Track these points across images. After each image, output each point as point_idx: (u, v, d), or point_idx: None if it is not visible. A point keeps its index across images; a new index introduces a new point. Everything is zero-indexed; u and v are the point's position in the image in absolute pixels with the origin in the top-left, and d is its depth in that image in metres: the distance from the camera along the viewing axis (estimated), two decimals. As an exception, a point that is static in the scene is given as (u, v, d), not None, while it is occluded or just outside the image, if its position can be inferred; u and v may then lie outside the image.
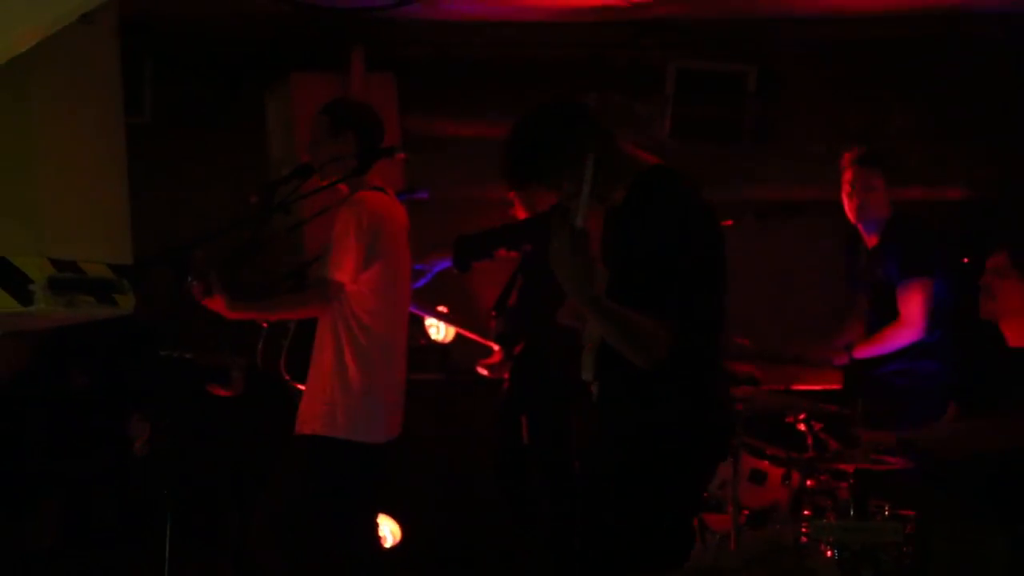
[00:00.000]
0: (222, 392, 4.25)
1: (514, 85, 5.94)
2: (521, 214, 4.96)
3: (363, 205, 3.81)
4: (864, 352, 4.53)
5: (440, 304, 5.41)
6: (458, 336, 5.33)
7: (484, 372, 4.96)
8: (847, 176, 4.59)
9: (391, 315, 3.89)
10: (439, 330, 5.37)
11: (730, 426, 3.06)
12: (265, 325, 4.00)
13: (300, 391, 3.88)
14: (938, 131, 5.61)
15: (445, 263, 4.92)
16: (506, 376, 4.85)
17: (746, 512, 4.17)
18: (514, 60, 5.67)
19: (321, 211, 4.07)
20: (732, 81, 5.50)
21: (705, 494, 4.24)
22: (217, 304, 3.71)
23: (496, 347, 4.92)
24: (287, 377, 3.94)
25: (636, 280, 2.59)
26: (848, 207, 4.62)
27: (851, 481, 3.84)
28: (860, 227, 4.66)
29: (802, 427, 4.31)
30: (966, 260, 4.64)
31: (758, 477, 4.25)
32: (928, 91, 5.57)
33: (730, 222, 5.07)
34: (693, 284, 2.60)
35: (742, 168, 5.63)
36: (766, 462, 4.30)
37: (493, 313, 5.03)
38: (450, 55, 5.68)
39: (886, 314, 4.53)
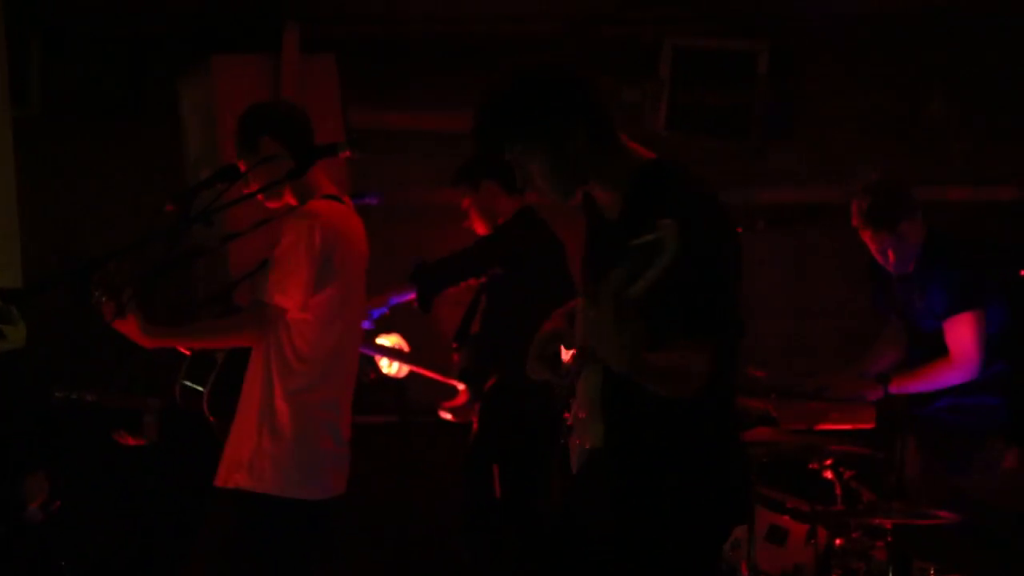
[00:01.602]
0: (132, 441, 4.22)
1: (480, 68, 5.90)
2: (479, 227, 5.00)
3: (317, 219, 3.80)
4: (904, 387, 4.55)
5: (388, 332, 5.41)
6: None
7: (448, 416, 4.96)
8: (864, 236, 4.60)
9: (336, 349, 3.88)
10: (391, 363, 5.37)
11: (749, 478, 3.09)
12: (188, 353, 3.98)
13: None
14: (986, 123, 5.66)
15: (404, 297, 4.96)
16: (474, 419, 4.86)
17: (764, 578, 4.19)
18: (480, 38, 5.68)
19: (260, 223, 4.06)
20: (739, 62, 5.52)
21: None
22: (130, 327, 3.68)
23: (460, 385, 4.92)
24: (212, 419, 3.91)
25: (658, 298, 2.57)
26: (880, 261, 4.63)
27: (889, 539, 3.85)
28: None
29: (829, 475, 4.32)
30: (1023, 273, 4.68)
31: (778, 535, 4.26)
32: (975, 75, 5.63)
33: (738, 229, 5.12)
34: (727, 295, 2.65)
35: (752, 166, 5.67)
36: (786, 517, 4.30)
37: (455, 345, 5.03)
38: (403, 32, 5.70)
39: (929, 345, 4.56)
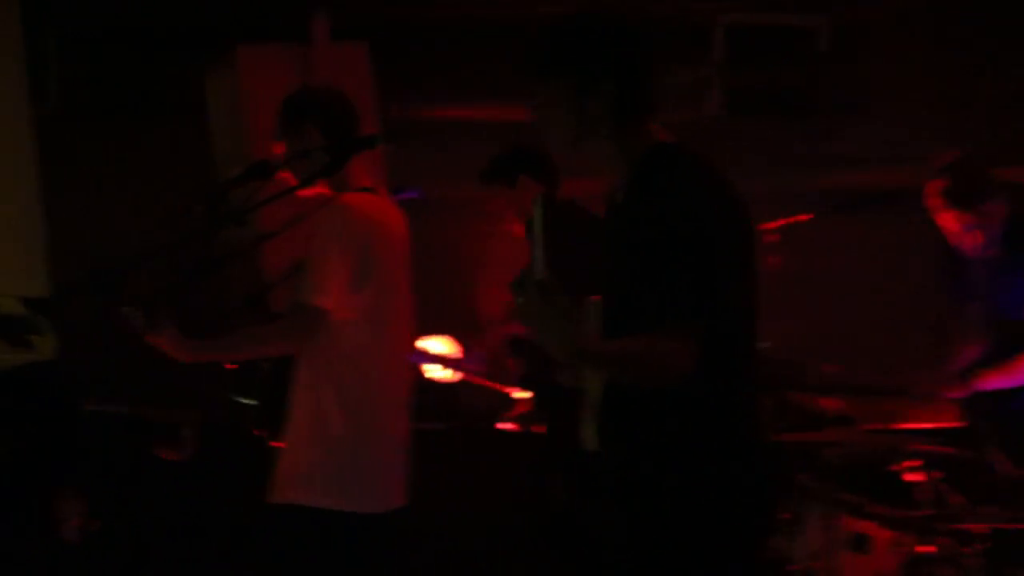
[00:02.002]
0: (171, 455, 4.21)
1: (522, 52, 5.92)
2: (516, 227, 4.95)
3: (349, 211, 3.77)
4: (991, 382, 4.49)
5: (436, 334, 5.38)
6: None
7: (510, 426, 4.93)
8: (943, 219, 4.53)
9: (389, 349, 3.85)
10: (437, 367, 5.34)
11: (780, 464, 3.05)
12: (232, 367, 3.96)
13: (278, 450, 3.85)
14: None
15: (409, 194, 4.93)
16: (538, 427, 4.82)
17: (845, 589, 4.13)
18: (521, 20, 5.63)
19: (293, 220, 4.03)
20: (799, 39, 5.48)
21: (793, 567, 4.20)
22: (166, 343, 3.67)
23: (520, 393, 4.89)
24: (263, 433, 3.90)
25: (645, 284, 2.65)
26: (958, 245, 4.55)
27: (985, 544, 3.77)
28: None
29: (912, 477, 4.25)
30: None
31: (860, 543, 4.18)
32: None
33: (804, 217, 5.05)
34: (718, 281, 2.63)
35: (815, 149, 5.62)
36: (869, 523, 4.22)
37: (510, 351, 4.99)
38: (440, 16, 5.66)
39: (1014, 333, 4.49)
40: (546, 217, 2.58)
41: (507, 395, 4.94)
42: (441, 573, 5.42)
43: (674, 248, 2.60)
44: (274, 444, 3.86)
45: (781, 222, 5.05)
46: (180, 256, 3.72)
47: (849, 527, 4.20)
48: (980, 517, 3.83)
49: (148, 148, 5.75)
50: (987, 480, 3.99)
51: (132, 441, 4.16)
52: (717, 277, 2.62)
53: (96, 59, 5.74)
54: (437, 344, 5.44)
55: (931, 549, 4.01)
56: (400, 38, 5.65)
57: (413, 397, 3.95)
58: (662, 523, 2.71)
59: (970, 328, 4.77)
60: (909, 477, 4.26)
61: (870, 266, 5.68)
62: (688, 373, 2.59)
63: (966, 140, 5.48)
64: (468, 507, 5.44)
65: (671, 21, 5.54)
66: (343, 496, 3.70)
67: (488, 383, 5.14)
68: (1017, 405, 4.47)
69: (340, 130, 3.89)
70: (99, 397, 3.92)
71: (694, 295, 2.60)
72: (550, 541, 4.79)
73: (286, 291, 4.19)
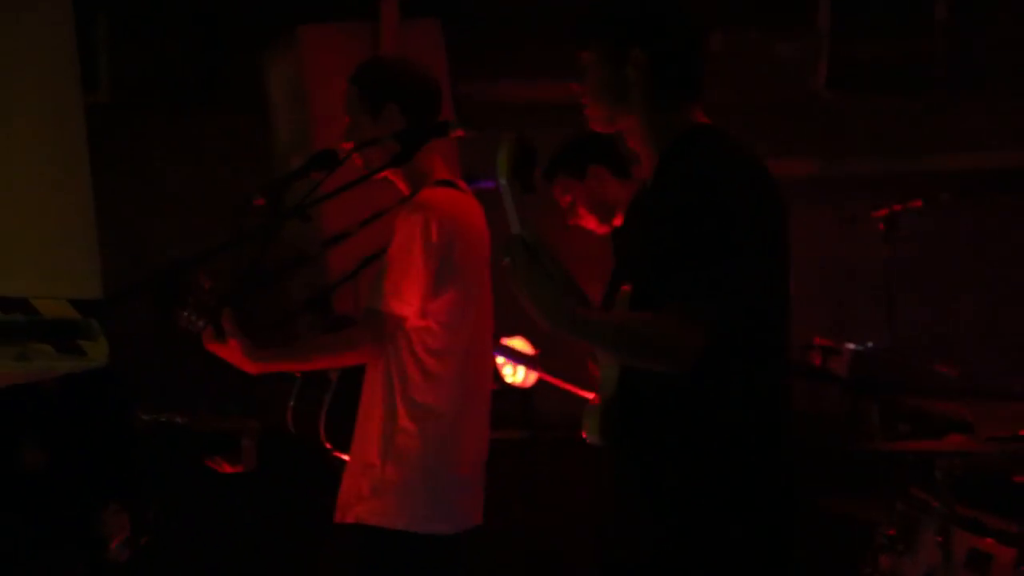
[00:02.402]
0: (228, 468, 4.23)
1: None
2: (591, 223, 4.87)
3: (433, 211, 3.75)
4: None
5: (513, 334, 5.37)
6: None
7: (595, 440, 4.89)
8: None
9: (466, 357, 3.83)
10: (515, 370, 5.33)
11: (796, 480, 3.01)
12: (299, 375, 3.98)
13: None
14: None
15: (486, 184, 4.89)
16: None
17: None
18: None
19: (370, 219, 4.03)
20: (914, 6, 5.41)
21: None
22: (233, 354, 3.68)
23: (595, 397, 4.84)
24: (328, 446, 3.90)
25: (658, 266, 2.68)
26: None
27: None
28: None
29: (1040, 489, 4.20)
30: None
31: (979, 561, 4.14)
32: None
33: (918, 202, 4.97)
34: (735, 262, 2.64)
35: (932, 128, 5.54)
36: (990, 540, 4.18)
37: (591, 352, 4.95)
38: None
39: None
40: (513, 163, 2.60)
41: (588, 400, 4.90)
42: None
43: (687, 225, 2.64)
44: (341, 457, 3.87)
45: (890, 209, 4.98)
46: (240, 254, 3.75)
47: (967, 544, 4.16)
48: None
49: (205, 139, 5.80)
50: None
51: (188, 453, 4.19)
52: (734, 258, 2.63)
53: (149, 44, 5.80)
54: (512, 344, 5.42)
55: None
56: (473, 13, 5.64)
57: (492, 407, 3.93)
58: (659, 531, 2.73)
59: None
60: (1035, 489, 4.21)
61: (990, 257, 5.58)
62: (696, 356, 2.60)
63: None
64: (544, 521, 5.43)
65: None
66: (415, 517, 3.69)
67: (568, 385, 5.11)
68: None
69: (422, 112, 3.86)
70: (153, 406, 3.95)
71: (706, 274, 2.61)
72: None
73: (350, 290, 4.19)
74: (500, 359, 5.26)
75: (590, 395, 4.84)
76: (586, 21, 2.89)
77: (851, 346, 5.04)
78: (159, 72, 5.83)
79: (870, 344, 5.04)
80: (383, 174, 3.82)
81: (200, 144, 5.81)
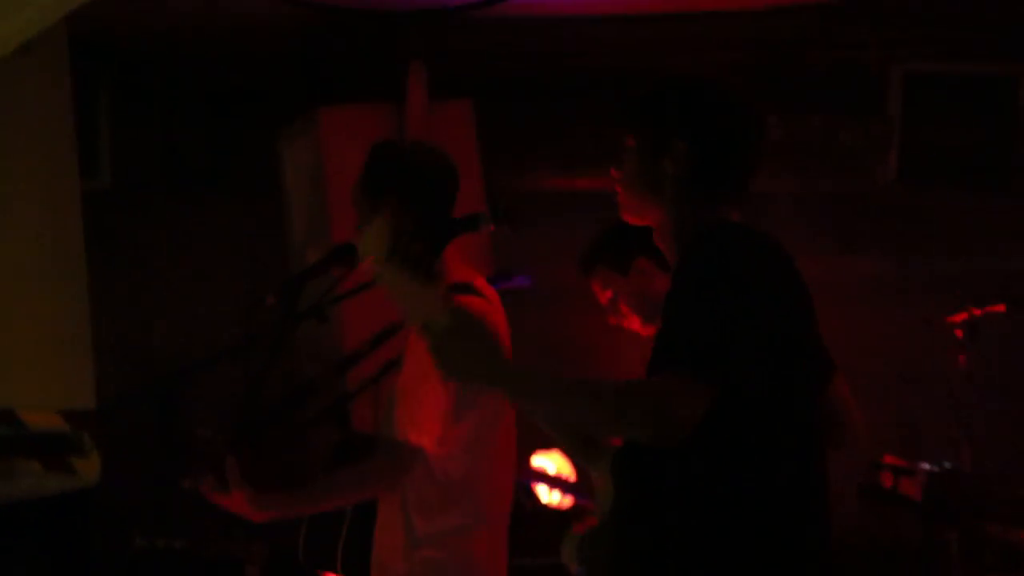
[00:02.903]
0: (233, 597, 4.19)
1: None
2: (635, 323, 4.81)
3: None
4: None
5: (548, 449, 5.31)
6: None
7: (575, 566, 4.83)
8: None
9: (489, 480, 3.79)
10: (552, 490, 5.28)
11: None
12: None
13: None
14: None
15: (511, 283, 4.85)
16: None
17: None
18: (650, 72, 5.62)
19: (384, 334, 3.99)
20: (992, 91, 5.39)
21: None
22: (237, 503, 3.66)
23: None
24: (336, 573, 3.86)
25: (660, 341, 2.70)
26: None
27: None
28: None
29: None
30: None
31: None
32: None
33: (1001, 306, 4.92)
34: (747, 329, 2.66)
35: (1013, 223, 5.49)
36: None
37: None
38: (554, 70, 5.67)
39: None
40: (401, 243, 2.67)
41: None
42: None
43: (692, 294, 2.69)
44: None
45: (969, 313, 4.93)
46: (250, 359, 3.73)
47: None
48: None
49: (212, 228, 5.80)
50: None
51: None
52: (743, 323, 2.64)
53: (152, 126, 5.82)
54: (548, 461, 5.36)
55: None
56: (507, 95, 5.65)
57: (514, 530, 3.88)
58: None
59: None
60: None
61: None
62: (692, 421, 2.58)
63: None
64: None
65: (836, 70, 5.48)
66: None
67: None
68: None
69: (428, 205, 3.84)
70: (149, 528, 3.92)
71: (712, 335, 2.62)
72: None
73: (371, 397, 4.15)
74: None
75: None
76: (631, 105, 2.93)
77: (926, 466, 4.96)
78: (164, 155, 5.85)
79: (947, 464, 4.97)
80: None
81: (207, 233, 5.82)
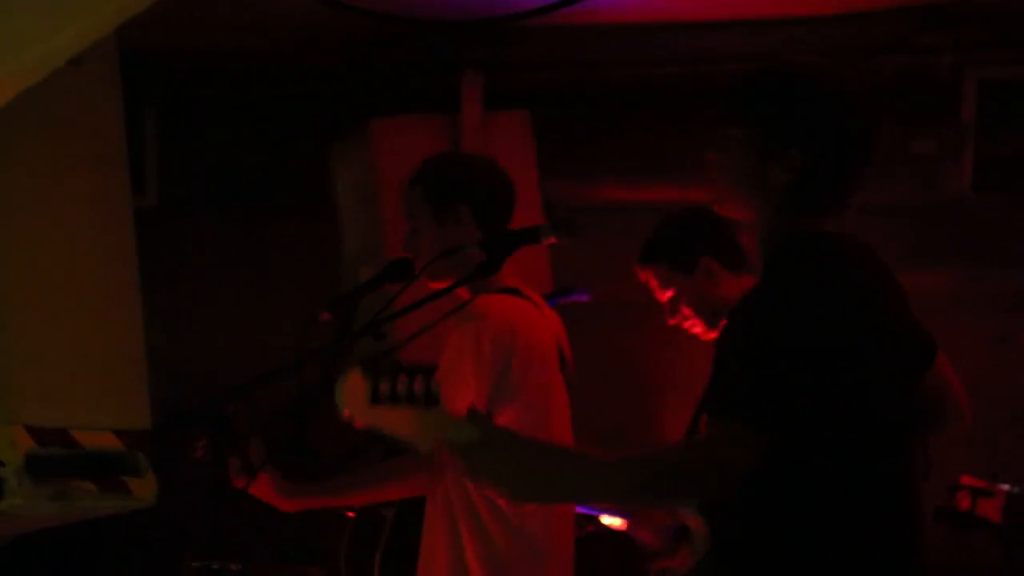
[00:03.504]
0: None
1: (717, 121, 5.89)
2: (698, 327, 4.73)
3: (485, 318, 3.73)
4: None
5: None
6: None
7: None
8: None
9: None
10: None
11: None
12: (351, 515, 3.96)
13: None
14: None
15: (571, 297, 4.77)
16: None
17: None
18: (715, 80, 5.61)
19: (420, 331, 4.01)
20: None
21: None
22: (263, 489, 3.66)
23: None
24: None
25: (713, 385, 2.67)
26: None
27: None
28: None
29: None
30: None
31: None
32: None
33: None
34: (808, 374, 2.60)
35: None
36: None
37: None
38: (614, 78, 5.66)
39: None
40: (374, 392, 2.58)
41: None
42: None
43: (748, 335, 2.63)
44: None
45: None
46: (304, 377, 3.75)
47: None
48: None
49: (262, 244, 5.84)
50: None
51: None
52: (803, 368, 2.58)
53: (200, 141, 5.86)
54: None
55: None
56: (566, 105, 5.66)
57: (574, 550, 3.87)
58: None
59: None
60: None
61: None
62: (746, 471, 2.54)
63: None
64: None
65: (907, 76, 5.44)
66: None
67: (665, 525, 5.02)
68: None
69: (498, 215, 3.87)
70: (204, 551, 3.94)
71: (766, 382, 2.57)
72: None
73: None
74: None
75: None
76: (742, 93, 2.84)
77: (1005, 487, 4.92)
78: (213, 171, 5.89)
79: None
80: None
81: (257, 249, 5.85)
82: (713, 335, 4.62)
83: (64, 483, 2.87)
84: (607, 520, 5.24)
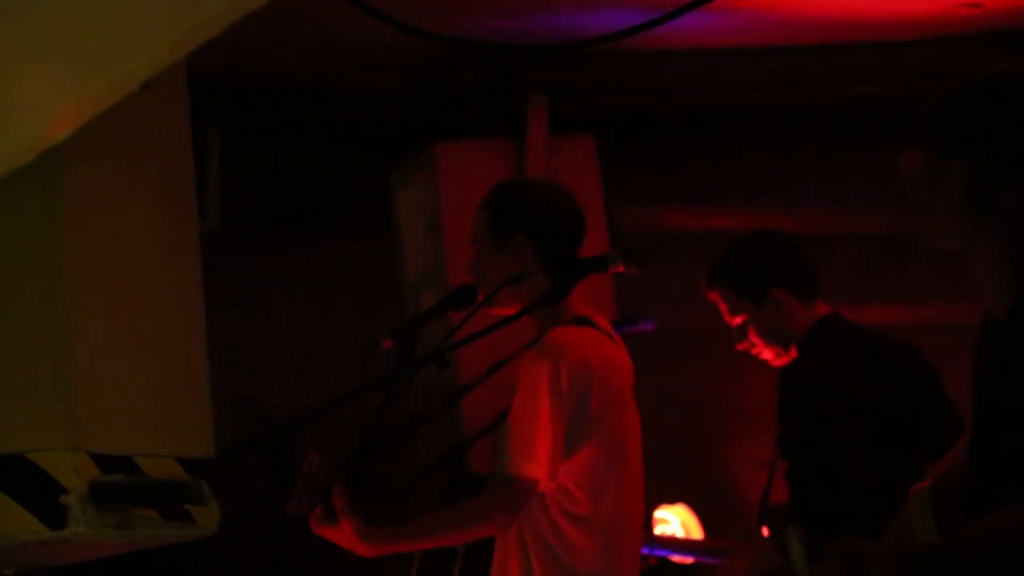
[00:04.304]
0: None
1: (783, 147, 5.86)
2: (768, 353, 4.68)
3: (562, 352, 3.73)
4: None
5: (673, 503, 5.31)
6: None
7: None
8: None
9: (614, 523, 3.77)
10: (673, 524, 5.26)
11: None
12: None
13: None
14: None
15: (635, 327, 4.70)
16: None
17: None
18: (786, 107, 5.59)
19: (496, 366, 4.00)
20: None
21: None
22: (346, 536, 3.68)
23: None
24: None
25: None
26: None
27: None
28: None
29: None
30: None
31: None
32: None
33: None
34: None
35: None
36: None
37: (763, 529, 4.82)
38: (679, 104, 5.66)
39: None
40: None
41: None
42: None
43: None
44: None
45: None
46: (366, 405, 3.75)
47: None
48: None
49: (323, 268, 5.85)
50: None
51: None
52: None
53: (262, 164, 5.89)
54: (672, 515, 5.34)
55: None
56: (633, 130, 5.65)
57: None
58: None
59: None
60: None
61: None
62: None
63: None
64: None
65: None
66: None
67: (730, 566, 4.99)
68: None
69: (558, 245, 3.87)
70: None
71: None
72: None
73: (489, 444, 4.17)
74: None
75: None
76: (953, 122, 2.74)
77: None
78: (274, 195, 5.92)
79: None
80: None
81: (318, 274, 5.87)
82: (782, 361, 4.58)
83: (128, 511, 2.86)
84: (668, 527, 5.25)
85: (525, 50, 5.25)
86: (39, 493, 2.77)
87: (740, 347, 4.63)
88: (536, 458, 3.68)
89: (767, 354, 4.62)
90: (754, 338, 4.59)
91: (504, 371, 4.00)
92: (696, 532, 5.41)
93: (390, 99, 5.70)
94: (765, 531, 4.77)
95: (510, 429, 3.73)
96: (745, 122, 5.79)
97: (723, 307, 4.62)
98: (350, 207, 5.88)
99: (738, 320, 4.59)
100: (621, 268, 3.77)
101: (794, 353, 4.56)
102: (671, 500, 5.28)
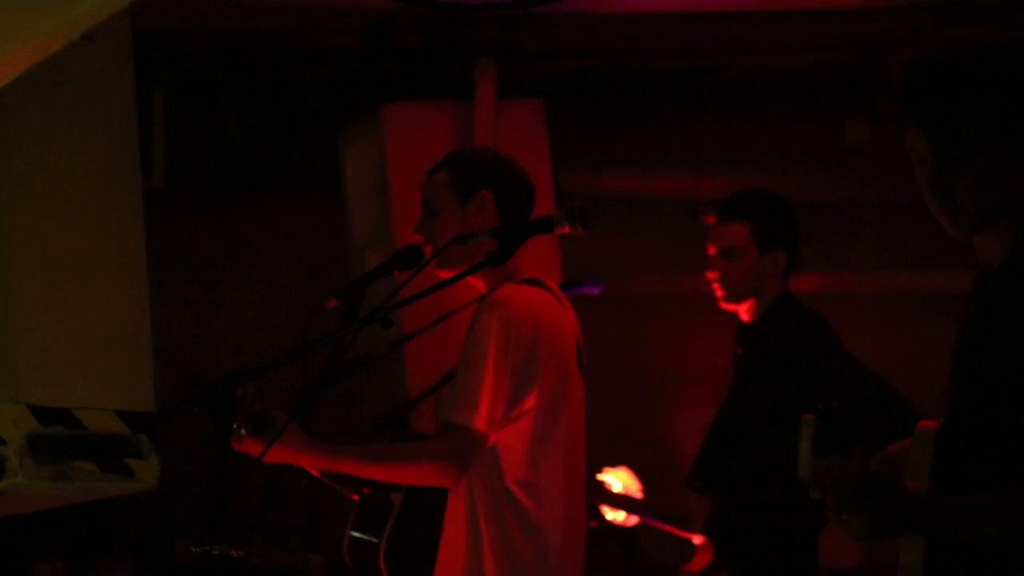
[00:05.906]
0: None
1: (731, 112, 5.88)
2: (720, 291, 4.76)
3: (509, 309, 3.74)
4: None
5: (615, 466, 5.32)
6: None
7: None
8: None
9: (560, 483, 3.79)
10: (615, 509, 5.29)
11: None
12: (356, 497, 3.95)
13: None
14: None
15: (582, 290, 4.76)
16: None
17: None
18: (731, 73, 5.61)
19: (440, 319, 4.01)
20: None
21: None
22: (291, 446, 3.63)
23: (700, 539, 4.78)
24: (386, 576, 3.87)
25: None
26: None
27: None
28: None
29: None
30: None
31: None
32: None
33: None
34: None
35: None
36: None
37: (696, 484, 4.88)
38: (628, 69, 5.66)
39: None
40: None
41: (689, 542, 4.84)
42: None
43: None
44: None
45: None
46: (309, 363, 3.75)
47: None
48: None
49: (268, 229, 5.84)
50: None
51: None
52: None
53: (209, 123, 5.86)
54: (613, 478, 5.36)
55: None
56: (581, 95, 5.65)
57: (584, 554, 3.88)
58: None
59: None
60: None
61: None
62: None
63: None
64: None
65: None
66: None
67: (669, 528, 5.04)
68: None
69: (517, 205, 3.88)
70: (204, 536, 3.94)
71: None
72: None
73: (432, 406, 4.18)
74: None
75: (696, 538, 4.79)
76: (958, 87, 2.60)
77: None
78: (220, 153, 5.89)
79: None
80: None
81: (263, 234, 5.85)
82: (727, 307, 4.69)
83: (66, 463, 2.85)
84: (610, 516, 5.28)
85: (474, 12, 5.23)
86: (-23, 447, 2.77)
87: (710, 274, 4.73)
88: (482, 410, 3.70)
89: (720, 292, 4.71)
90: (732, 278, 4.68)
91: (450, 333, 4.01)
92: (637, 495, 5.44)
93: (339, 61, 5.67)
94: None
95: (458, 380, 3.75)
96: (693, 87, 5.80)
97: (726, 236, 4.70)
98: (297, 168, 5.86)
99: (729, 248, 4.67)
100: (566, 229, 3.76)
101: (743, 306, 4.67)
102: (613, 463, 5.30)
